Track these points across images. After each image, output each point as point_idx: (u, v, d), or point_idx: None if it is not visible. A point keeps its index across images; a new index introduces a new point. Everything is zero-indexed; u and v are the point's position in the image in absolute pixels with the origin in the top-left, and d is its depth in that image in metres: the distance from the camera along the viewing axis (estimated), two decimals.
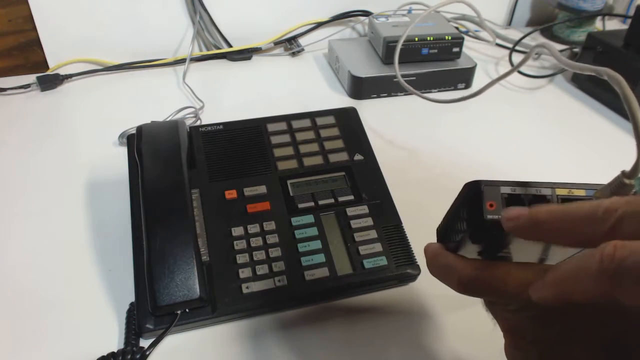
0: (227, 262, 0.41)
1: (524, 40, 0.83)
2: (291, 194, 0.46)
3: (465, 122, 0.67)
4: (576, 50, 0.83)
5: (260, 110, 0.53)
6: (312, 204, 0.45)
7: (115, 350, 0.37)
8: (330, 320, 0.41)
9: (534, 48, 0.37)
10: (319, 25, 0.85)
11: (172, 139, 0.45)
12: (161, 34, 0.78)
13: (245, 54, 0.80)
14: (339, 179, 0.47)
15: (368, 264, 0.42)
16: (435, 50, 0.71)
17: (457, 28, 0.80)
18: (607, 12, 0.88)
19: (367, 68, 0.71)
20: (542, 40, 0.92)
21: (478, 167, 0.59)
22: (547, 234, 0.21)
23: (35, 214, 0.50)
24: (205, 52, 0.81)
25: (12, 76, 0.74)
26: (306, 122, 0.51)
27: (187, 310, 0.38)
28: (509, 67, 0.80)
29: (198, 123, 0.62)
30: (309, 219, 0.44)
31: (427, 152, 0.61)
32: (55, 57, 0.75)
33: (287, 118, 0.51)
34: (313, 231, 0.43)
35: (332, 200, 0.45)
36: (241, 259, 0.41)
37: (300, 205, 0.45)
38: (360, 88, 0.70)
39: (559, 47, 0.87)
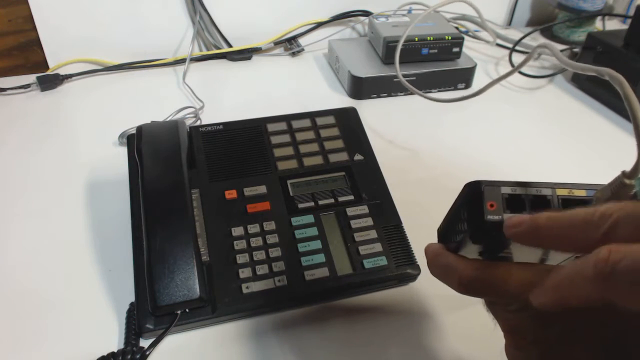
0: (227, 262, 0.41)
1: (524, 40, 0.83)
2: (291, 194, 0.46)
3: (466, 122, 0.67)
4: (576, 50, 0.83)
5: (260, 110, 0.53)
6: (312, 204, 0.45)
7: (115, 350, 0.37)
8: (330, 320, 0.41)
9: (536, 48, 0.37)
10: (319, 25, 0.85)
11: (172, 139, 0.45)
12: (161, 34, 0.78)
13: (245, 54, 0.80)
14: (339, 179, 0.47)
15: (368, 264, 0.42)
16: (435, 50, 0.71)
17: (457, 28, 0.80)
18: (607, 12, 0.88)
19: (367, 68, 0.71)
20: (542, 40, 0.92)
21: (478, 167, 0.59)
22: (546, 240, 0.22)
23: (35, 214, 0.50)
24: (205, 52, 0.81)
25: (12, 76, 0.74)
26: (306, 122, 0.51)
27: (187, 310, 0.38)
28: (509, 67, 0.80)
29: (198, 123, 0.62)
30: (309, 219, 0.44)
31: (427, 152, 0.61)
32: (55, 57, 0.75)
33: (287, 118, 0.51)
34: (313, 231, 0.43)
35: (332, 200, 0.45)
36: (241, 259, 0.41)
37: (300, 205, 0.45)
38: (360, 88, 0.70)
39: (559, 47, 0.87)
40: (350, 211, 0.45)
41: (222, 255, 0.41)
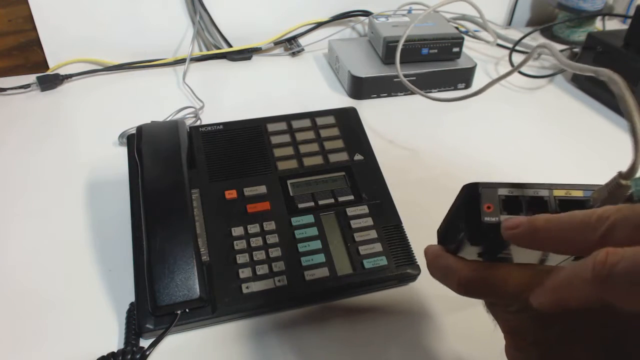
0: (227, 262, 0.41)
1: (524, 40, 0.83)
2: (291, 194, 0.46)
3: (466, 122, 0.67)
4: (576, 50, 0.83)
5: (260, 110, 0.53)
6: (312, 204, 0.45)
7: (115, 350, 0.37)
8: (330, 320, 0.41)
9: (535, 48, 0.37)
10: (319, 25, 0.85)
11: (172, 139, 0.45)
12: (161, 34, 0.78)
13: (245, 54, 0.80)
14: (339, 179, 0.47)
15: (368, 264, 0.42)
16: (435, 50, 0.71)
17: (457, 28, 0.80)
18: (607, 12, 0.88)
19: (367, 68, 0.71)
20: (542, 40, 0.92)
21: (478, 167, 0.59)
22: (544, 242, 0.22)
23: (35, 214, 0.50)
24: (205, 52, 0.81)
25: (12, 76, 0.74)
26: (306, 122, 0.51)
27: (187, 310, 0.38)
28: (509, 67, 0.80)
29: (198, 123, 0.62)
30: (309, 219, 0.44)
31: (427, 152, 0.61)
32: (55, 57, 0.75)
33: (287, 118, 0.51)
34: (313, 231, 0.43)
35: (332, 200, 0.45)
36: (241, 259, 0.41)
37: (300, 205, 0.45)
38: (360, 88, 0.70)
39: (559, 47, 0.87)
40: (350, 211, 0.45)
41: (222, 255, 0.41)
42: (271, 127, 0.50)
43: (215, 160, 0.47)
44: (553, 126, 0.68)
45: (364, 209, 0.45)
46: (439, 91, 0.74)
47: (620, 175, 0.23)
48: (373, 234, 0.44)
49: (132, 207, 0.43)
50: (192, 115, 0.65)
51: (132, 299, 0.40)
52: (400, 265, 0.43)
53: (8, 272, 0.44)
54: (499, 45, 0.85)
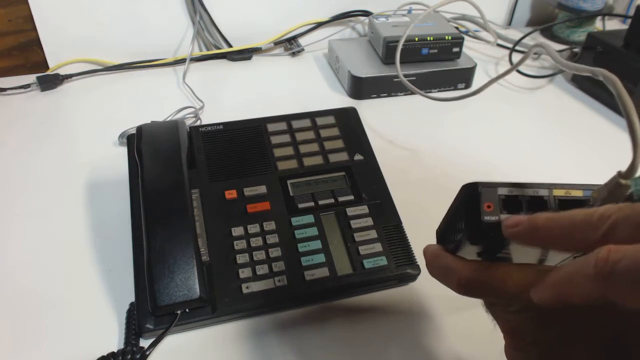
0: (227, 262, 0.41)
1: (524, 41, 0.83)
2: (291, 194, 0.46)
3: (466, 122, 0.67)
4: (576, 50, 0.83)
5: (260, 110, 0.53)
6: (312, 204, 0.45)
7: (115, 350, 0.37)
8: (330, 320, 0.41)
9: (532, 48, 0.37)
10: (319, 25, 0.85)
11: (172, 139, 0.45)
12: (161, 34, 0.78)
13: (245, 54, 0.80)
14: (339, 179, 0.47)
15: (368, 264, 0.42)
16: (435, 50, 0.71)
17: (457, 28, 0.80)
18: (607, 12, 0.88)
19: (367, 68, 0.71)
20: (542, 40, 0.92)
21: (478, 167, 0.59)
22: (545, 240, 0.22)
23: (35, 214, 0.50)
24: (205, 52, 0.81)
25: (12, 76, 0.74)
26: (306, 122, 0.51)
27: (187, 310, 0.38)
28: (508, 67, 0.80)
29: (198, 123, 0.62)
30: (309, 219, 0.44)
31: (427, 152, 0.61)
32: (55, 57, 0.75)
33: (287, 118, 0.51)
34: (313, 231, 0.43)
35: (332, 200, 0.45)
36: (241, 259, 0.41)
37: (300, 205, 0.45)
38: (360, 88, 0.70)
39: (558, 47, 0.87)
40: (350, 211, 0.45)
41: (222, 255, 0.41)
42: (271, 127, 0.50)
43: (215, 160, 0.47)
44: (553, 126, 0.68)
45: (364, 209, 0.45)
46: (439, 91, 0.74)
47: (620, 174, 0.23)
48: (373, 234, 0.44)
49: (132, 207, 0.43)
50: (192, 115, 0.65)
51: (132, 299, 0.40)
52: (400, 265, 0.43)
53: (8, 272, 0.44)
54: (499, 45, 0.85)
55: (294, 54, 0.82)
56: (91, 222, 0.49)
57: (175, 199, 0.41)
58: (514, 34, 0.86)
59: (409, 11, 0.82)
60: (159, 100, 0.69)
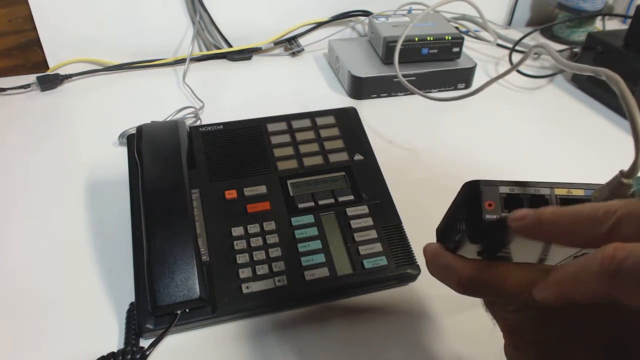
0: (227, 262, 0.41)
1: (524, 41, 0.83)
2: (291, 194, 0.46)
3: (466, 122, 0.67)
4: (576, 50, 0.83)
5: (260, 110, 0.53)
6: (312, 204, 0.45)
7: (115, 350, 0.37)
8: (330, 320, 0.41)
9: (532, 48, 0.37)
10: (319, 25, 0.85)
11: (172, 139, 0.45)
12: (161, 34, 0.78)
13: (245, 54, 0.80)
14: (339, 179, 0.47)
15: (368, 264, 0.42)
16: (435, 50, 0.71)
17: (457, 28, 0.80)
18: (607, 12, 0.88)
19: (367, 68, 0.71)
20: (542, 40, 0.92)
21: (478, 167, 0.59)
22: (551, 234, 0.22)
23: (35, 214, 0.50)
24: (205, 52, 0.81)
25: (12, 76, 0.74)
26: (306, 122, 0.51)
27: (187, 310, 0.38)
28: (509, 67, 0.80)
29: (198, 123, 0.62)
30: (309, 219, 0.44)
31: (427, 152, 0.61)
32: (55, 57, 0.75)
33: (287, 118, 0.51)
34: (313, 231, 0.43)
35: (332, 200, 0.45)
36: (241, 259, 0.41)
37: (300, 205, 0.45)
38: (360, 88, 0.70)
39: (558, 47, 0.87)
40: (350, 211, 0.45)
41: (222, 255, 0.41)
42: (271, 127, 0.50)
43: (215, 160, 0.47)
44: (553, 126, 0.68)
45: (364, 209, 0.45)
46: (439, 91, 0.74)
47: (622, 174, 0.23)
48: (373, 234, 0.44)
49: (132, 207, 0.43)
50: (192, 115, 0.65)
51: (132, 299, 0.40)
52: (400, 265, 0.43)
53: (8, 272, 0.44)
54: (499, 45, 0.85)
55: (294, 54, 0.82)
56: (91, 222, 0.49)
57: (175, 199, 0.41)
58: (514, 34, 0.86)
59: (409, 11, 0.82)
60: (159, 100, 0.69)
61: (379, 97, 0.71)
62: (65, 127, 0.64)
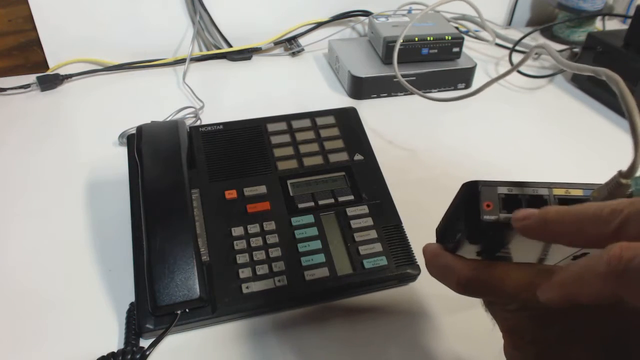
0: (227, 262, 0.41)
1: (524, 41, 0.83)
2: (291, 194, 0.46)
3: (466, 122, 0.67)
4: (576, 50, 0.83)
5: (260, 110, 0.53)
6: (312, 204, 0.45)
7: (115, 350, 0.37)
8: (330, 320, 0.41)
9: (533, 48, 0.37)
10: (319, 25, 0.85)
11: (172, 139, 0.45)
12: (161, 34, 0.78)
13: (245, 54, 0.80)
14: (339, 179, 0.47)
15: (368, 264, 0.42)
16: (435, 50, 0.71)
17: (457, 28, 0.80)
18: (607, 12, 0.88)
19: (367, 68, 0.71)
20: (542, 40, 0.92)
21: (478, 167, 0.59)
22: (555, 234, 0.21)
23: (35, 214, 0.50)
24: (205, 52, 0.81)
25: (12, 76, 0.74)
26: (306, 122, 0.51)
27: (187, 310, 0.38)
28: (509, 67, 0.80)
29: (198, 123, 0.62)
30: (309, 219, 0.44)
31: (427, 152, 0.61)
32: (55, 57, 0.75)
33: (287, 118, 0.51)
34: (313, 231, 0.43)
35: (332, 200, 0.45)
36: (241, 259, 0.41)
37: (300, 205, 0.45)
38: (360, 88, 0.70)
39: (558, 47, 0.87)
40: (350, 211, 0.45)
41: (222, 255, 0.41)
42: (271, 127, 0.50)
43: (215, 160, 0.47)
44: (553, 126, 0.68)
45: (364, 209, 0.45)
46: (439, 91, 0.74)
47: (621, 174, 0.23)
48: (373, 234, 0.44)
49: (132, 207, 0.43)
50: (192, 115, 0.65)
51: (132, 299, 0.40)
52: (400, 265, 0.43)
53: (8, 272, 0.44)
54: (499, 45, 0.85)
55: (294, 54, 0.82)
56: (91, 222, 0.49)
57: (175, 199, 0.41)
58: (514, 34, 0.86)
59: (409, 11, 0.82)
60: (159, 100, 0.69)
61: (379, 97, 0.71)
62: (65, 127, 0.64)
